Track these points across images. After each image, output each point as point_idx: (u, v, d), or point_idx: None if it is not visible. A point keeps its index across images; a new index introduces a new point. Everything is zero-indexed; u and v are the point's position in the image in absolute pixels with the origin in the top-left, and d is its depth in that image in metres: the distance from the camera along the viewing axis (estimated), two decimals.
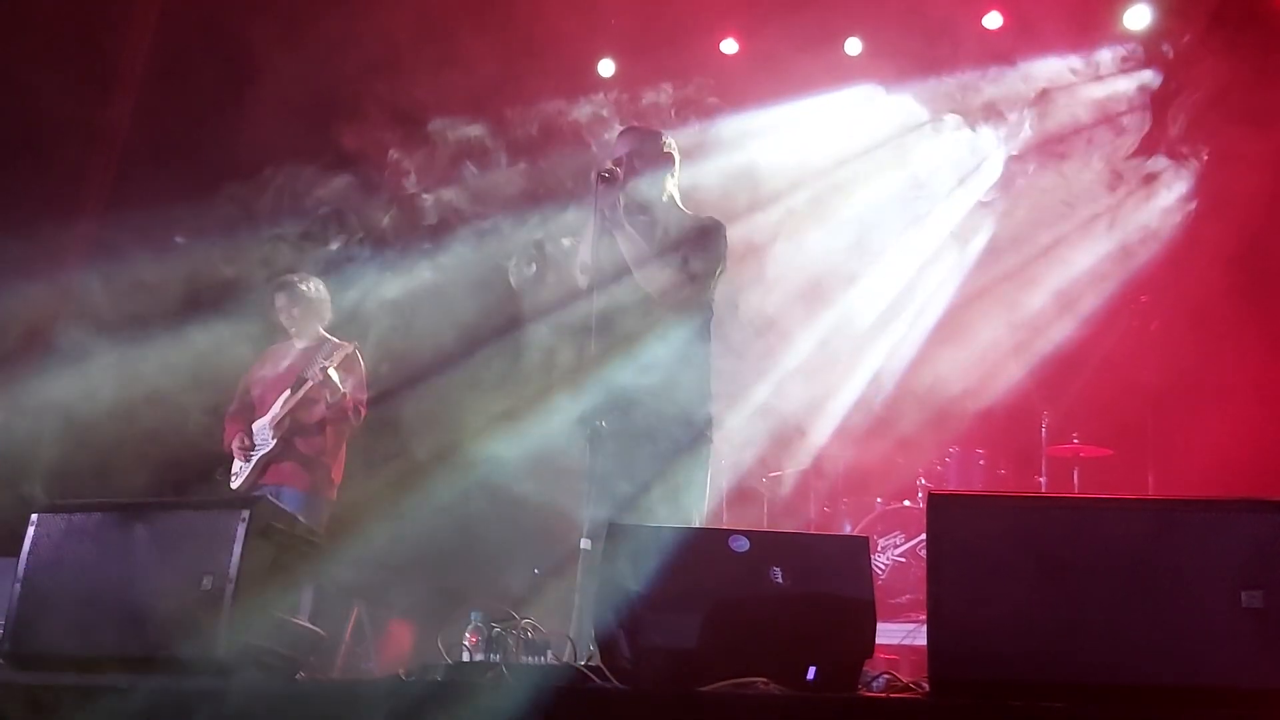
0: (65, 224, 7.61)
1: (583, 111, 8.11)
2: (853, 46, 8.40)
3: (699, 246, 5.00)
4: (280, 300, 6.84)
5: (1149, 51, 7.99)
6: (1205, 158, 7.80)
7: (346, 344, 6.68)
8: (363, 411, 6.69)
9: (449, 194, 8.11)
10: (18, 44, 7.07)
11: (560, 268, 5.20)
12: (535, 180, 8.06)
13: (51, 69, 7.17)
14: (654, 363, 4.84)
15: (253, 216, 7.65)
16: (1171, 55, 7.90)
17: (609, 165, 4.98)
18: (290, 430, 6.51)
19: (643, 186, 5.04)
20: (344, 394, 6.49)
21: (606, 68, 8.64)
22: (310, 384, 6.44)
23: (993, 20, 8.16)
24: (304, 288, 6.86)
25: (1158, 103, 7.98)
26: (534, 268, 5.22)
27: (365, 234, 8.02)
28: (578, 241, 5.12)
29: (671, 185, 5.18)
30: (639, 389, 4.79)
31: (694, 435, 4.93)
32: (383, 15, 7.60)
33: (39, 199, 7.43)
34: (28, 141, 7.34)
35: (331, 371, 6.44)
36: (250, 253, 7.56)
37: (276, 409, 6.53)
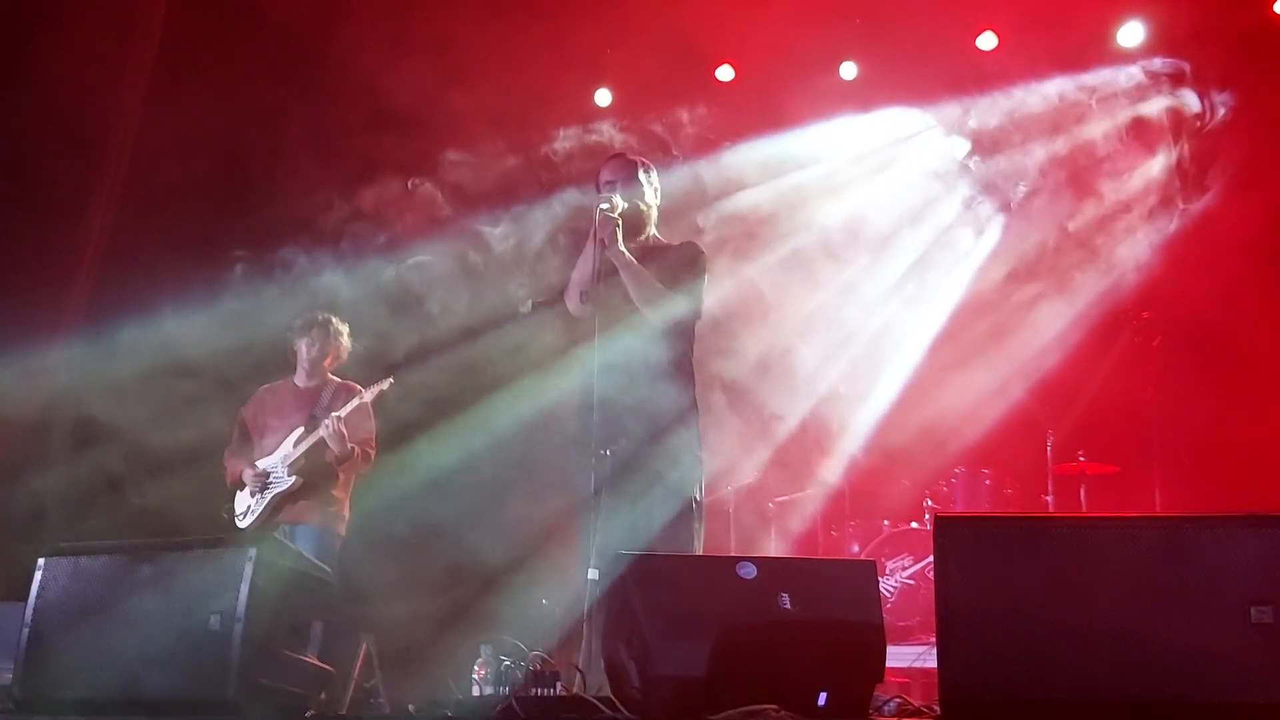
0: (63, 284, 7.63)
1: (580, 142, 8.15)
2: (848, 71, 8.44)
3: (680, 270, 5.11)
4: (309, 337, 6.68)
5: (1152, 71, 7.99)
6: (1208, 176, 7.80)
7: (355, 388, 6.63)
8: (372, 455, 6.65)
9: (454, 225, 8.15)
10: (19, 109, 7.10)
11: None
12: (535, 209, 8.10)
13: (48, 126, 7.20)
14: (644, 383, 4.91)
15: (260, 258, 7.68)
16: (1174, 73, 7.91)
17: (608, 196, 5.07)
18: (304, 469, 6.49)
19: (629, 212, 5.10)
20: (352, 448, 6.47)
21: (603, 97, 8.67)
22: (322, 434, 6.40)
23: (987, 41, 8.18)
24: (335, 328, 6.73)
25: (1162, 120, 7.99)
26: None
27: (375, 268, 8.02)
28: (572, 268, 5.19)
29: (654, 210, 5.27)
30: (635, 409, 4.85)
31: (682, 451, 4.97)
32: (379, 58, 7.63)
33: (37, 261, 7.46)
34: (28, 203, 7.37)
35: (343, 427, 6.40)
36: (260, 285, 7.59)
37: (289, 448, 6.49)
